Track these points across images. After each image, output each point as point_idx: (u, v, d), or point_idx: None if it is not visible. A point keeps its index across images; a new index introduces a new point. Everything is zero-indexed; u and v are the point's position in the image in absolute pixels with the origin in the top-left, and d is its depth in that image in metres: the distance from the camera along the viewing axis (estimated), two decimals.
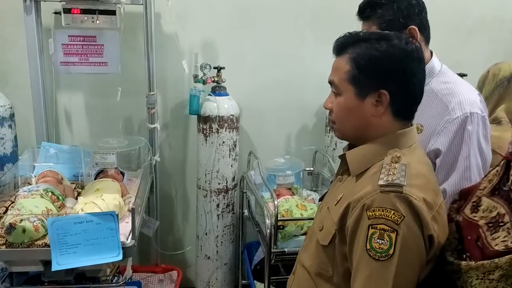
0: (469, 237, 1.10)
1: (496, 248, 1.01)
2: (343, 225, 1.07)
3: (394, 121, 1.12)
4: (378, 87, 1.08)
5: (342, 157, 1.20)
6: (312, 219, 1.39)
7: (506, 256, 0.96)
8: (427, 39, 1.53)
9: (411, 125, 1.16)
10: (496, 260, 0.97)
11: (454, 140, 1.41)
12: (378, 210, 0.99)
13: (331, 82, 1.16)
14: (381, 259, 0.99)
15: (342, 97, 1.13)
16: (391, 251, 0.98)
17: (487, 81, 1.95)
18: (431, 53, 1.55)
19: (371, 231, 1.00)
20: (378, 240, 0.99)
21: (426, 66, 1.49)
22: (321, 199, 1.37)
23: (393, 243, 0.98)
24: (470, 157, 1.40)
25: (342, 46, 1.13)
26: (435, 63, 1.54)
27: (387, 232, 0.98)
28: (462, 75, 2.22)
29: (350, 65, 1.10)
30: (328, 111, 1.19)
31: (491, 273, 0.99)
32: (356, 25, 1.51)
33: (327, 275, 1.14)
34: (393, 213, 0.98)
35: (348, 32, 1.15)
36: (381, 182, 1.01)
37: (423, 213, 0.99)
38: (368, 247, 1.00)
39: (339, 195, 1.14)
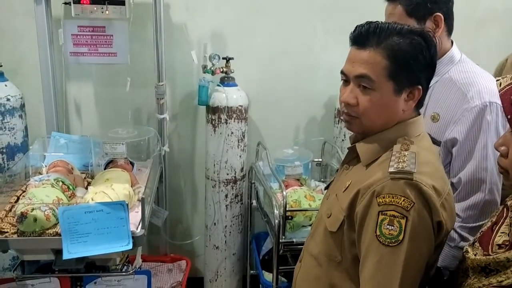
0: (492, 220, 1.11)
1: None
2: (352, 211, 1.08)
3: (413, 113, 1.14)
4: (414, 83, 1.08)
5: (352, 148, 1.20)
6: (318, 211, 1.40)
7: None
8: (450, 29, 1.51)
9: (419, 114, 1.17)
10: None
11: (472, 129, 1.39)
12: (388, 197, 1.00)
13: (361, 76, 1.08)
14: (390, 245, 1.00)
15: (377, 92, 1.07)
16: (400, 237, 0.99)
17: (505, 70, 1.91)
18: (452, 42, 1.54)
19: (381, 217, 1.01)
20: (388, 226, 1.00)
21: (446, 55, 1.50)
22: (326, 188, 1.38)
23: (403, 229, 0.99)
24: (488, 146, 1.38)
25: (368, 37, 1.07)
26: (455, 52, 1.52)
27: (397, 218, 0.99)
28: None
29: (388, 60, 1.05)
30: (339, 103, 1.15)
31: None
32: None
33: (336, 261, 1.15)
34: (403, 200, 0.99)
35: (370, 22, 1.10)
36: (391, 169, 1.02)
37: (432, 200, 1.01)
38: (378, 233, 1.01)
39: (347, 182, 1.15)
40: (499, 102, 1.38)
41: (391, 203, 1.00)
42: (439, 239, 1.06)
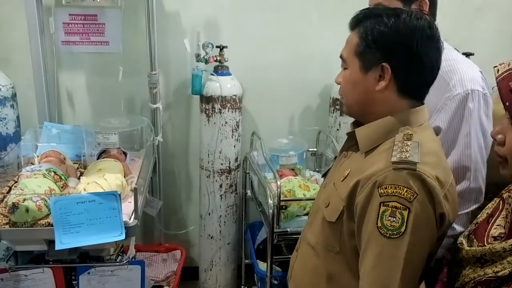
0: (488, 212, 1.10)
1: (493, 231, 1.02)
2: (352, 202, 1.06)
3: (399, 98, 1.10)
4: (381, 61, 1.07)
5: (351, 134, 1.18)
6: (315, 199, 1.39)
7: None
8: (433, 16, 1.50)
9: (422, 104, 1.14)
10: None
11: (455, 117, 1.40)
12: (391, 188, 0.98)
13: (341, 57, 1.16)
14: (392, 236, 0.98)
15: (348, 70, 1.13)
16: (402, 229, 0.97)
17: None
18: None
19: (382, 208, 0.99)
20: (389, 218, 0.98)
21: None
22: (324, 175, 1.37)
23: (405, 220, 0.97)
24: (471, 134, 1.39)
25: (356, 21, 1.13)
26: None
27: (399, 210, 0.97)
28: (469, 54, 2.19)
29: (359, 39, 1.09)
30: (338, 89, 1.19)
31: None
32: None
33: (334, 251, 1.14)
34: (406, 191, 0.97)
35: (366, 8, 1.15)
36: (394, 159, 1.00)
37: (436, 191, 0.99)
38: (379, 224, 0.99)
39: (346, 171, 1.13)
40: (481, 89, 1.40)
41: (393, 194, 0.98)
42: (441, 230, 1.05)
